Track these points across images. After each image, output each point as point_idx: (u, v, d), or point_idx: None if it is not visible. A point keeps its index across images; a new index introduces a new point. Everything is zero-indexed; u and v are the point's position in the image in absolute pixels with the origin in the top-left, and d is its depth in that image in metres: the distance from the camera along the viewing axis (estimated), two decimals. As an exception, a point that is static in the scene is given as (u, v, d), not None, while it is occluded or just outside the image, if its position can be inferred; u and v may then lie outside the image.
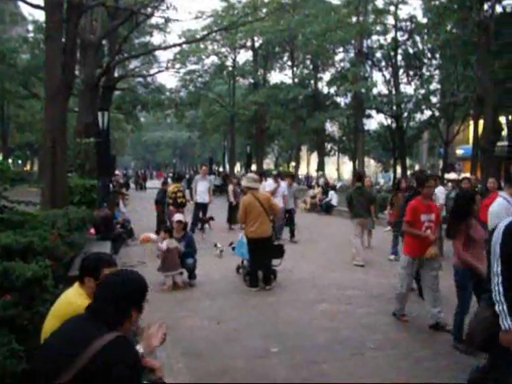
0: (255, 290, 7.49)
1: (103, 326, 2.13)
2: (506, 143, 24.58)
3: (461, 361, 4.74)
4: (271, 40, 31.14)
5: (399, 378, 4.35)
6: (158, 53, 30.75)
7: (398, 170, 32.51)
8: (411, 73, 29.32)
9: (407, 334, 5.59)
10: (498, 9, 18.24)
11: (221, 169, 44.00)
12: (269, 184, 11.63)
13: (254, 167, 34.01)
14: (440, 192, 10.51)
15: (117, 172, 44.06)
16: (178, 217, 8.22)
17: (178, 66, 30.02)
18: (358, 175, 11.45)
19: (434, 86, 28.73)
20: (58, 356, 2.05)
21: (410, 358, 4.84)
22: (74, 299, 3.02)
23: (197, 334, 5.45)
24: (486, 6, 17.37)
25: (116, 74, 23.64)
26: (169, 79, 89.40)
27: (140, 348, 2.48)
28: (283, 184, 11.73)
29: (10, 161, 31.14)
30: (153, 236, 9.68)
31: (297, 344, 5.17)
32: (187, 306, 6.57)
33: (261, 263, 7.69)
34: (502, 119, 24.54)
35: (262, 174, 13.70)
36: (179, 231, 7.88)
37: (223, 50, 33.65)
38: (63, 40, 10.60)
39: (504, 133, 24.32)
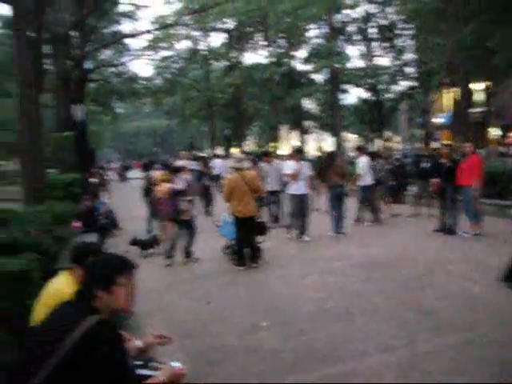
0: (242, 268, 7.61)
1: (85, 311, 2.16)
2: (480, 109, 24.90)
3: (443, 316, 4.92)
4: (243, 21, 30.87)
5: (386, 340, 4.51)
6: (130, 41, 30.37)
7: (379, 143, 32.73)
8: (385, 45, 29.37)
9: (391, 299, 5.74)
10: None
11: (201, 154, 43.83)
12: (289, 165, 9.82)
13: (233, 150, 33.94)
14: (362, 162, 11.26)
15: (113, 165, 43.54)
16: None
17: (150, 52, 29.67)
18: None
19: (410, 56, 28.81)
20: (45, 343, 2.08)
21: (393, 320, 5.00)
22: (61, 287, 3.08)
23: (187, 315, 5.54)
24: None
25: (88, 66, 23.33)
26: (144, 68, 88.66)
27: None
28: (305, 164, 10.07)
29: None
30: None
31: (286, 317, 5.30)
32: (177, 288, 6.66)
33: (247, 241, 7.80)
34: (478, 85, 24.81)
35: (266, 155, 12.50)
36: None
37: (195, 33, 33.28)
38: (31, 33, 10.47)
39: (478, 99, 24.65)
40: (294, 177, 9.54)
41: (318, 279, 6.79)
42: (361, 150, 11.96)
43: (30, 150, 9.90)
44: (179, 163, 11.67)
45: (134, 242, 9.05)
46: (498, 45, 15.82)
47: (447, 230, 9.43)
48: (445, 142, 19.18)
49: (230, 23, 33.64)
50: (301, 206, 9.62)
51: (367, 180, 11.25)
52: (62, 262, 5.71)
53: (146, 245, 9.09)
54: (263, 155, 12.56)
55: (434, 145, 21.93)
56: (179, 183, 8.55)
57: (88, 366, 2.01)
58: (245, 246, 7.81)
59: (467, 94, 19.14)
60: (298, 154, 10.17)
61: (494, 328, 4.65)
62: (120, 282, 2.26)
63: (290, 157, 10.41)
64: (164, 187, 8.38)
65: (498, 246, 8.13)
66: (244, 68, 32.79)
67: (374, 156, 12.24)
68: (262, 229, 8.20)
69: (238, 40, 35.05)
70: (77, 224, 9.34)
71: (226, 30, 34.37)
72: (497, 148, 24.19)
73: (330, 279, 6.73)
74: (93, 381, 2.02)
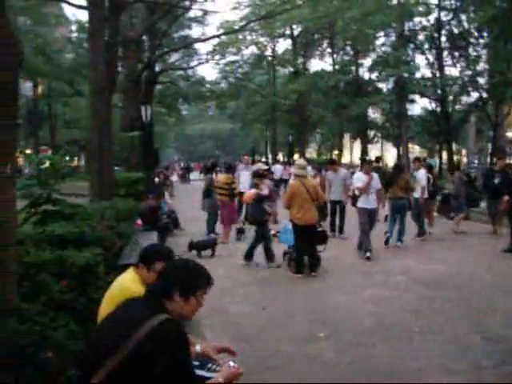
0: (300, 276, 7.54)
1: (155, 309, 2.20)
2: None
3: (510, 346, 4.65)
4: (310, 27, 30.78)
5: (445, 363, 4.30)
6: (197, 46, 31.03)
7: (444, 155, 31.66)
8: (456, 54, 28.34)
9: (453, 320, 5.48)
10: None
11: (263, 159, 44.07)
12: (359, 177, 9.32)
13: (296, 156, 33.87)
14: (421, 174, 10.92)
15: (176, 165, 44.61)
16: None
17: (217, 57, 30.17)
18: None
19: (482, 66, 27.66)
20: (108, 339, 2.11)
21: (456, 343, 4.76)
22: (128, 284, 3.13)
23: (244, 320, 5.54)
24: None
25: (157, 69, 24.01)
26: (209, 71, 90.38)
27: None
28: (376, 176, 9.43)
29: (61, 157, 32.19)
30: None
31: (343, 328, 5.19)
32: (235, 292, 6.67)
33: (306, 249, 7.72)
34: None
35: (332, 163, 12.15)
36: None
37: (262, 39, 33.52)
38: (105, 37, 10.90)
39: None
40: (364, 190, 9.07)
41: (377, 292, 6.60)
42: (420, 161, 11.58)
43: (99, 148, 10.27)
44: (258, 167, 11.89)
45: (191, 246, 9.17)
46: None
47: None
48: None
49: (297, 29, 33.68)
50: (369, 221, 9.10)
51: (424, 193, 10.94)
52: (125, 258, 5.88)
53: (202, 246, 9.20)
54: (328, 163, 12.31)
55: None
56: (264, 189, 8.73)
57: (152, 365, 2.02)
58: (304, 253, 7.74)
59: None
60: (369, 165, 9.67)
61: None
62: (199, 294, 2.34)
63: (361, 168, 10.07)
64: (250, 193, 8.69)
65: None
66: (309, 75, 32.71)
67: (429, 169, 11.88)
68: (322, 238, 8.09)
69: (304, 46, 35.03)
70: (139, 222, 9.60)
71: (293, 37, 34.42)
72: None
73: (390, 294, 6.53)
74: (156, 380, 2.03)
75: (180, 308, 2.28)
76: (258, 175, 8.94)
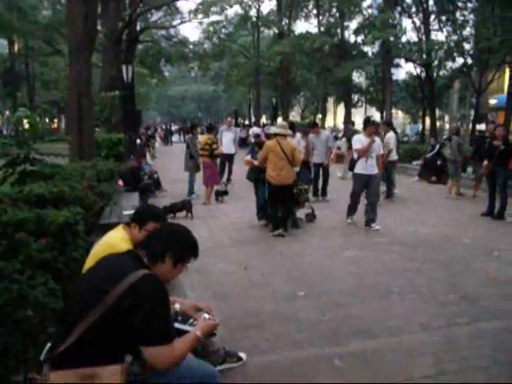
0: (279, 232, 7.65)
1: (137, 265, 2.21)
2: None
3: (488, 305, 4.77)
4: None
5: (422, 321, 4.41)
6: (180, 4, 30.31)
7: (427, 121, 31.71)
8: (443, 18, 28.02)
9: (432, 280, 5.60)
10: None
11: (246, 121, 43.75)
12: (359, 139, 8.36)
13: (279, 119, 33.69)
14: (389, 138, 11.13)
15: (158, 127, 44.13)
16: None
17: (200, 16, 29.51)
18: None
19: (468, 31, 27.44)
20: (89, 292, 2.12)
21: (433, 302, 4.88)
22: (117, 242, 3.12)
23: (225, 279, 5.58)
24: None
25: (138, 27, 23.39)
26: (192, 32, 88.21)
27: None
28: (378, 140, 8.55)
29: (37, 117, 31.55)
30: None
31: (323, 288, 5.26)
32: (216, 252, 6.69)
33: (281, 209, 7.84)
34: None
35: (314, 125, 11.80)
36: None
37: (247, -1, 32.80)
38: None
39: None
40: (363, 153, 8.15)
41: (357, 253, 6.69)
42: (389, 125, 11.87)
43: (78, 108, 10.04)
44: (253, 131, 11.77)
45: (166, 211, 9.08)
46: None
47: (496, 214, 9.10)
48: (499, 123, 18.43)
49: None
50: (368, 189, 8.32)
51: (393, 155, 11.36)
52: (106, 218, 5.84)
53: (177, 209, 9.15)
54: (311, 126, 12.05)
55: (484, 127, 21.09)
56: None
57: (131, 318, 2.04)
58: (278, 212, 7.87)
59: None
60: (372, 126, 8.45)
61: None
62: (186, 262, 2.43)
63: (364, 129, 8.72)
64: (247, 158, 8.90)
65: None
66: (294, 37, 32.17)
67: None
68: (297, 199, 8.22)
69: (289, 7, 34.32)
70: (120, 182, 9.51)
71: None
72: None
73: (370, 254, 6.62)
74: (134, 333, 2.04)
75: (167, 271, 2.35)
76: (259, 145, 8.76)
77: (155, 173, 11.97)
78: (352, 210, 8.55)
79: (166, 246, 2.34)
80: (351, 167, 8.53)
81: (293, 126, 10.16)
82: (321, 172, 11.28)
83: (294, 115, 46.14)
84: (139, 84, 31.82)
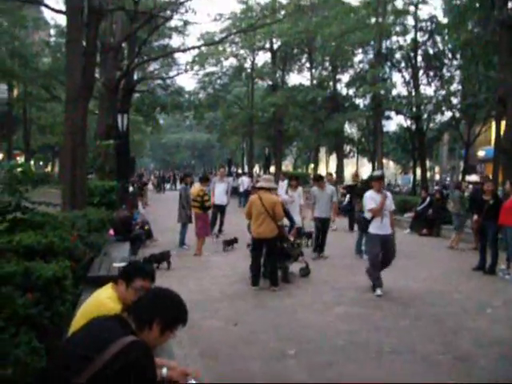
0: (255, 288, 7.62)
1: (124, 330, 2.16)
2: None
3: (480, 365, 4.69)
4: (289, 42, 31.08)
5: (415, 381, 4.32)
6: (177, 55, 30.97)
7: (418, 172, 32.15)
8: (431, 73, 28.96)
9: (425, 338, 5.52)
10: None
11: (239, 170, 44.08)
12: (371, 197, 7.66)
13: (272, 169, 34.02)
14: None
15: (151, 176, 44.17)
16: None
17: (196, 68, 30.19)
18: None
19: (455, 86, 28.33)
20: (75, 356, 2.06)
21: (426, 362, 4.79)
22: (106, 301, 3.03)
23: (214, 335, 5.47)
24: (510, 4, 17.04)
25: (136, 77, 23.87)
26: (188, 82, 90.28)
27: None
28: (389, 196, 7.90)
29: (31, 162, 31.70)
30: None
31: (314, 346, 5.16)
32: (205, 307, 6.59)
33: (269, 263, 7.88)
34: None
35: (319, 178, 11.12)
36: None
37: (242, 51, 33.73)
38: (84, 43, 10.79)
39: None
40: (378, 212, 7.49)
41: (348, 310, 6.60)
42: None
43: (73, 155, 10.10)
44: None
45: (146, 261, 8.93)
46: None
47: (487, 269, 9.09)
48: (485, 175, 18.71)
49: (277, 43, 33.96)
50: (385, 250, 7.55)
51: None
52: (95, 270, 5.76)
53: (157, 260, 8.97)
54: (315, 179, 11.39)
55: (473, 178, 21.38)
56: None
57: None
58: (262, 266, 7.94)
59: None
60: (380, 181, 7.98)
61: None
62: (175, 330, 2.40)
63: (371, 185, 8.08)
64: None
65: None
66: (287, 88, 32.95)
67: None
68: (287, 254, 8.16)
69: (283, 60, 35.33)
70: (111, 232, 9.45)
71: (272, 50, 34.69)
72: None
73: (361, 311, 6.54)
74: None
75: (153, 339, 2.30)
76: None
77: (146, 223, 11.90)
78: (376, 277, 7.53)
79: (153, 313, 2.30)
80: (364, 228, 7.99)
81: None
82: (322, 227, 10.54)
83: (287, 164, 46.63)
84: (134, 131, 32.17)
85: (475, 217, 9.49)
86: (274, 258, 7.86)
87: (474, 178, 18.92)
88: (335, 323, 5.99)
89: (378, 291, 7.37)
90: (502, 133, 17.04)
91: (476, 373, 4.55)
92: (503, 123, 17.20)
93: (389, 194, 8.04)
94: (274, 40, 33.20)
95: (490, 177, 16.35)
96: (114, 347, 2.02)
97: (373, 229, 7.53)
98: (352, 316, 6.30)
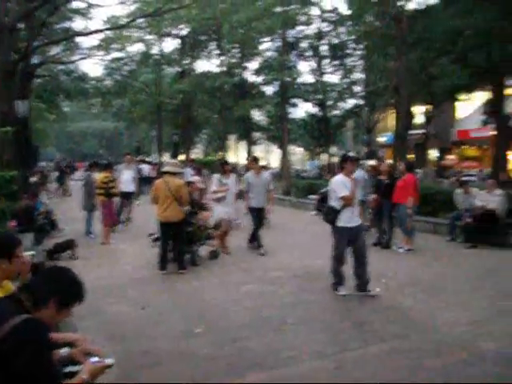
0: (163, 273, 7.72)
1: (19, 309, 2.17)
2: (421, 131, 26.11)
3: (375, 327, 5.13)
4: (197, 28, 30.87)
5: (316, 349, 4.65)
6: (81, 40, 29.70)
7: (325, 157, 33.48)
8: (336, 63, 30.15)
9: (326, 309, 5.91)
10: (412, 5, 19.21)
11: (148, 158, 43.28)
12: (343, 183, 6.52)
13: (181, 156, 33.76)
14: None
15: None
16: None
17: (101, 53, 29.10)
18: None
19: (358, 75, 29.74)
20: None
21: (328, 330, 5.16)
22: None
23: (121, 320, 5.50)
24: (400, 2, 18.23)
25: (36, 61, 22.60)
26: (94, 68, 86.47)
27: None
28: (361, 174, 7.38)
29: None
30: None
31: (220, 324, 5.35)
32: (112, 293, 6.57)
33: (174, 247, 8.02)
34: (420, 109, 26.04)
35: (254, 162, 9.89)
36: None
37: (149, 37, 32.96)
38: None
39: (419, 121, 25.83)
40: (350, 200, 6.46)
41: (256, 288, 6.87)
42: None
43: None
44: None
45: (51, 251, 8.74)
46: (438, 72, 16.79)
47: (383, 244, 9.81)
48: (380, 157, 20.01)
49: (185, 30, 33.55)
50: (355, 244, 6.57)
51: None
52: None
53: (61, 249, 8.82)
54: (251, 163, 10.26)
55: (372, 162, 22.73)
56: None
57: (11, 363, 2.00)
58: (169, 250, 8.03)
59: (408, 116, 19.96)
60: (352, 162, 6.72)
61: (423, 338, 4.90)
62: (71, 307, 2.39)
63: (341, 169, 6.76)
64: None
65: (427, 261, 8.63)
66: (195, 75, 32.74)
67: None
68: (192, 237, 8.30)
69: (192, 47, 34.99)
70: (13, 223, 9.06)
71: (180, 36, 34.23)
72: (433, 169, 25.38)
73: (268, 288, 6.83)
74: (15, 379, 2.00)
75: (50, 317, 2.30)
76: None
77: (50, 212, 11.48)
78: (339, 276, 6.64)
79: (49, 291, 2.30)
80: (331, 220, 6.59)
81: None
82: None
83: (198, 152, 46.46)
84: (36, 119, 30.50)
85: (373, 196, 10.16)
86: (182, 242, 7.97)
87: (372, 162, 20.08)
88: (241, 301, 6.23)
89: (342, 291, 6.53)
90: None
91: (370, 335, 4.97)
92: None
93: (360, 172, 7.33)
94: (182, 26, 32.77)
95: (389, 161, 17.53)
96: (8, 325, 2.04)
97: (343, 222, 6.45)
98: (258, 293, 6.58)
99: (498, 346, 4.66)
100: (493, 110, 17.56)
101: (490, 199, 10.29)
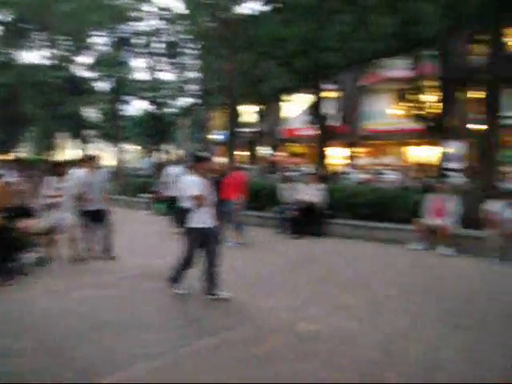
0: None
1: None
2: (253, 129, 27.60)
3: (206, 324, 5.39)
4: (23, 15, 28.43)
5: (150, 349, 4.77)
6: None
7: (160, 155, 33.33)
8: (171, 61, 30.17)
9: (159, 308, 6.06)
10: (247, 10, 20.18)
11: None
12: (194, 182, 6.30)
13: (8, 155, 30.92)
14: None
15: None
16: None
17: None
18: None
19: (196, 74, 30.13)
20: None
21: (157, 330, 5.28)
22: None
23: None
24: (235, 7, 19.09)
25: None
26: None
27: None
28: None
29: None
30: None
31: (46, 335, 5.14)
32: None
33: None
34: (253, 108, 27.52)
35: (89, 159, 9.14)
36: None
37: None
38: None
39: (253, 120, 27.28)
40: (202, 201, 6.24)
41: (91, 293, 6.70)
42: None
43: None
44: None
45: None
46: (265, 75, 18.05)
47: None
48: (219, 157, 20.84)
49: (10, 16, 30.66)
50: (208, 247, 6.39)
51: None
52: None
53: None
54: (83, 159, 9.61)
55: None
56: None
57: None
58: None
59: (236, 115, 21.07)
60: (207, 162, 6.55)
61: (250, 327, 5.30)
62: None
63: (192, 167, 6.70)
64: None
65: (253, 253, 9.42)
66: (21, 67, 30.14)
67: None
68: (16, 244, 7.75)
69: (17, 35, 32.05)
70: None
71: (3, 23, 31.15)
72: (265, 165, 27.02)
73: (104, 292, 6.71)
74: None
75: None
76: None
77: None
78: (180, 275, 6.60)
79: None
80: (181, 221, 6.64)
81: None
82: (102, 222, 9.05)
83: (26, 151, 42.95)
84: None
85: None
86: (4, 250, 7.40)
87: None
88: (72, 307, 6.05)
89: (179, 289, 6.58)
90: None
91: (204, 330, 5.22)
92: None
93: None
94: (6, 12, 29.87)
95: (225, 158, 18.30)
96: None
97: (195, 222, 6.32)
98: (93, 298, 6.44)
99: (316, 328, 5.26)
100: (314, 111, 19.13)
101: (312, 193, 11.41)
